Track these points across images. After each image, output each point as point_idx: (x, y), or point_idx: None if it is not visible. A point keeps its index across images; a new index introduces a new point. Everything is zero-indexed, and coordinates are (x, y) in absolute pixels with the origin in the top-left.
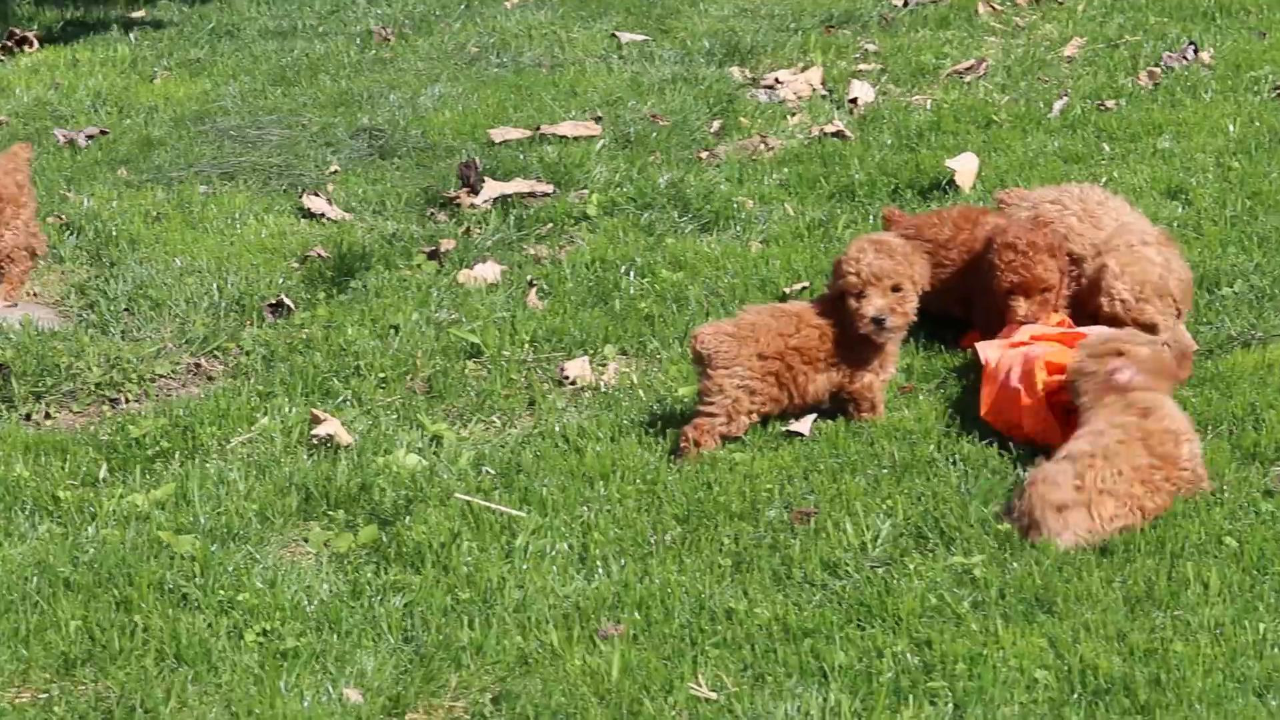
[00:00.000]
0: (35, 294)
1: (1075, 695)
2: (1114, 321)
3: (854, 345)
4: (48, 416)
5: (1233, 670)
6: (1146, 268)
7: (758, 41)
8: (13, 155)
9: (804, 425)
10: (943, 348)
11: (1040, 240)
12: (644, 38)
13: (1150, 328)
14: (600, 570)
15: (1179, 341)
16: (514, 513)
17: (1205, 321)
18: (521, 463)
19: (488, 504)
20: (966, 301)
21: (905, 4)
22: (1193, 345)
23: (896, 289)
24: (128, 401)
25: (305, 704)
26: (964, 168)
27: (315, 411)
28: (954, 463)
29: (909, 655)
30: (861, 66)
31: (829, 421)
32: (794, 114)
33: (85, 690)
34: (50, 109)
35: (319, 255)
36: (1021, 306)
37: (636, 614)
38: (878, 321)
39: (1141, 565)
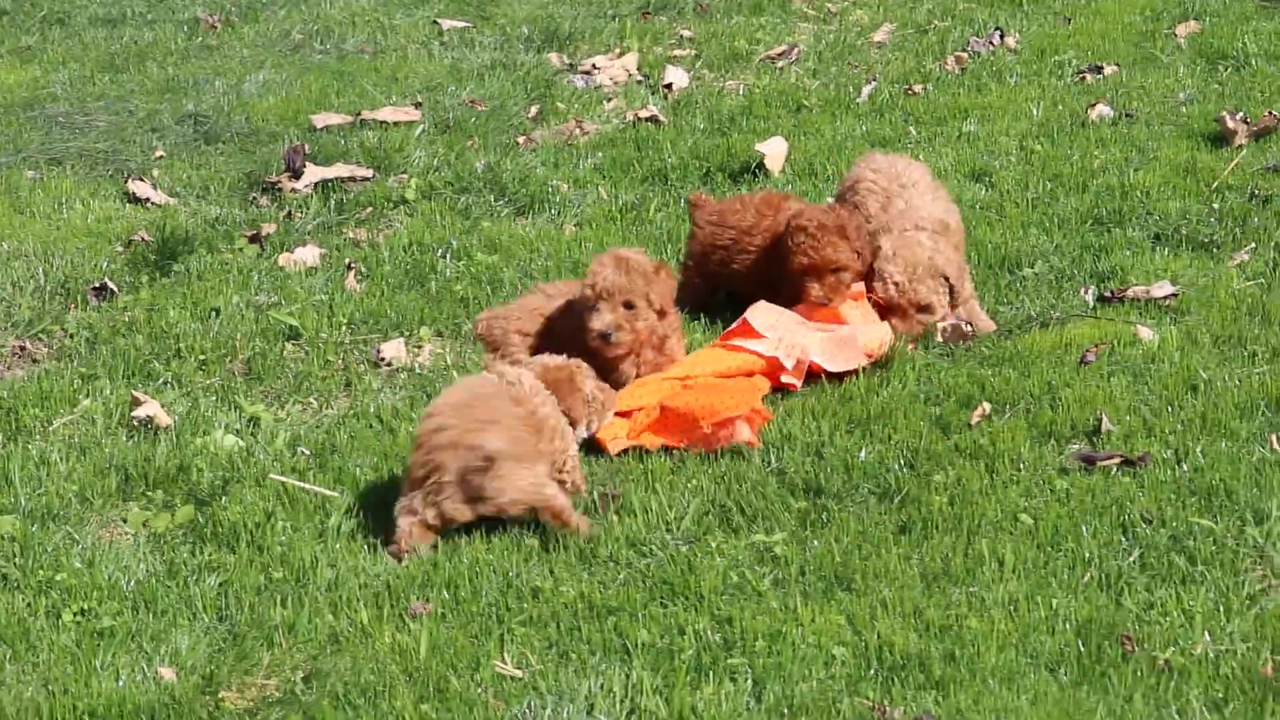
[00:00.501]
0: None
1: (872, 671)
2: (890, 303)
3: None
4: None
5: (1025, 645)
6: (916, 250)
7: (576, 28)
8: None
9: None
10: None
11: (830, 222)
12: (465, 24)
13: (926, 308)
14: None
15: (976, 322)
16: (327, 493)
17: (1005, 302)
18: (336, 443)
19: (301, 484)
20: (771, 286)
21: None
22: (990, 326)
23: (629, 305)
24: None
25: (120, 683)
26: (773, 151)
27: (135, 393)
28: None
29: (710, 632)
30: (677, 52)
31: None
32: (610, 99)
33: None
34: None
35: (143, 239)
36: (815, 288)
37: (445, 593)
38: (604, 336)
39: (939, 542)
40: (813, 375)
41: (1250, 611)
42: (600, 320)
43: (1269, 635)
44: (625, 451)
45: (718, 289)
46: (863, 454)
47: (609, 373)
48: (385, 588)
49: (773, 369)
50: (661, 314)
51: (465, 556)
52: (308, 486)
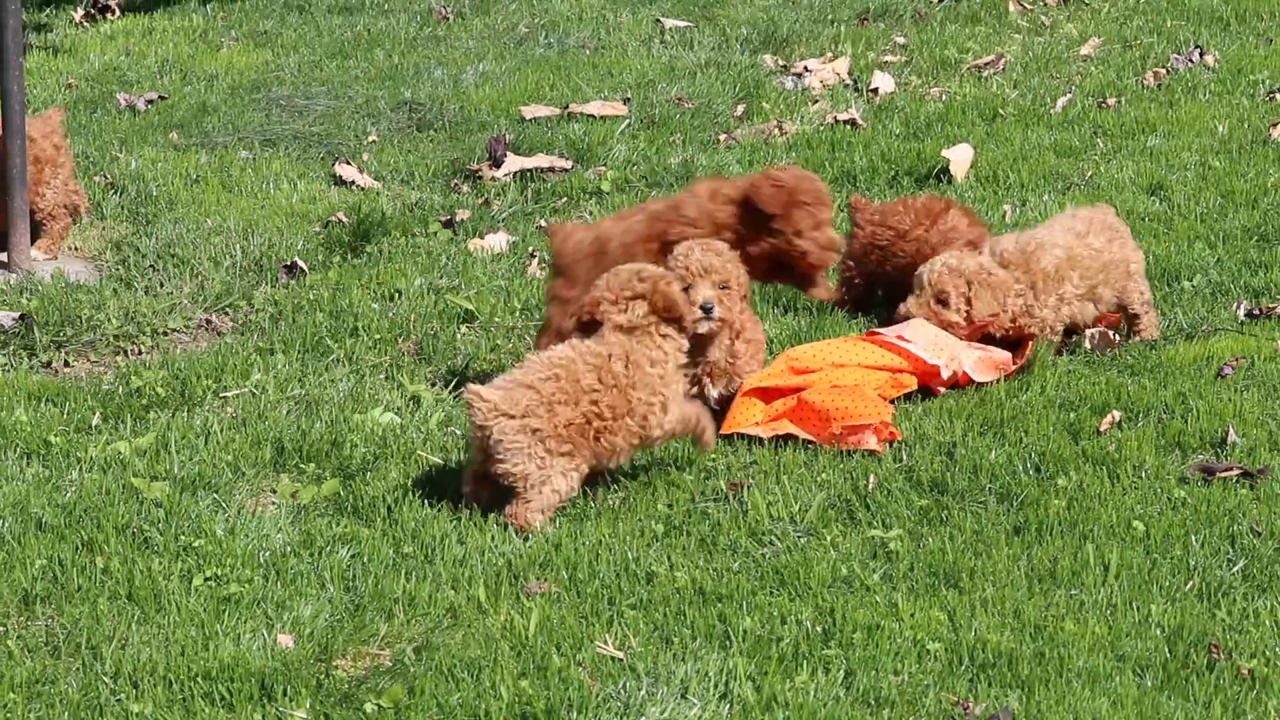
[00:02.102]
0: (76, 249)
1: (963, 667)
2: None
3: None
4: (66, 365)
5: (1115, 649)
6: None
7: (794, 31)
8: (47, 119)
9: None
10: None
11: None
12: (687, 24)
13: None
14: (538, 530)
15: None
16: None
17: (1160, 313)
18: None
19: (444, 462)
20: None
21: (940, 0)
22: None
23: (724, 286)
24: (139, 353)
25: (239, 647)
26: (958, 158)
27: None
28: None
29: (811, 623)
30: (888, 58)
31: None
32: (815, 101)
33: (39, 625)
34: (118, 74)
35: (340, 220)
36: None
37: (564, 573)
38: (706, 309)
39: (1050, 545)
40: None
41: None
42: (701, 293)
43: None
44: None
45: (875, 289)
46: (992, 455)
47: (696, 355)
48: (506, 566)
49: (926, 374)
50: (743, 299)
51: (589, 538)
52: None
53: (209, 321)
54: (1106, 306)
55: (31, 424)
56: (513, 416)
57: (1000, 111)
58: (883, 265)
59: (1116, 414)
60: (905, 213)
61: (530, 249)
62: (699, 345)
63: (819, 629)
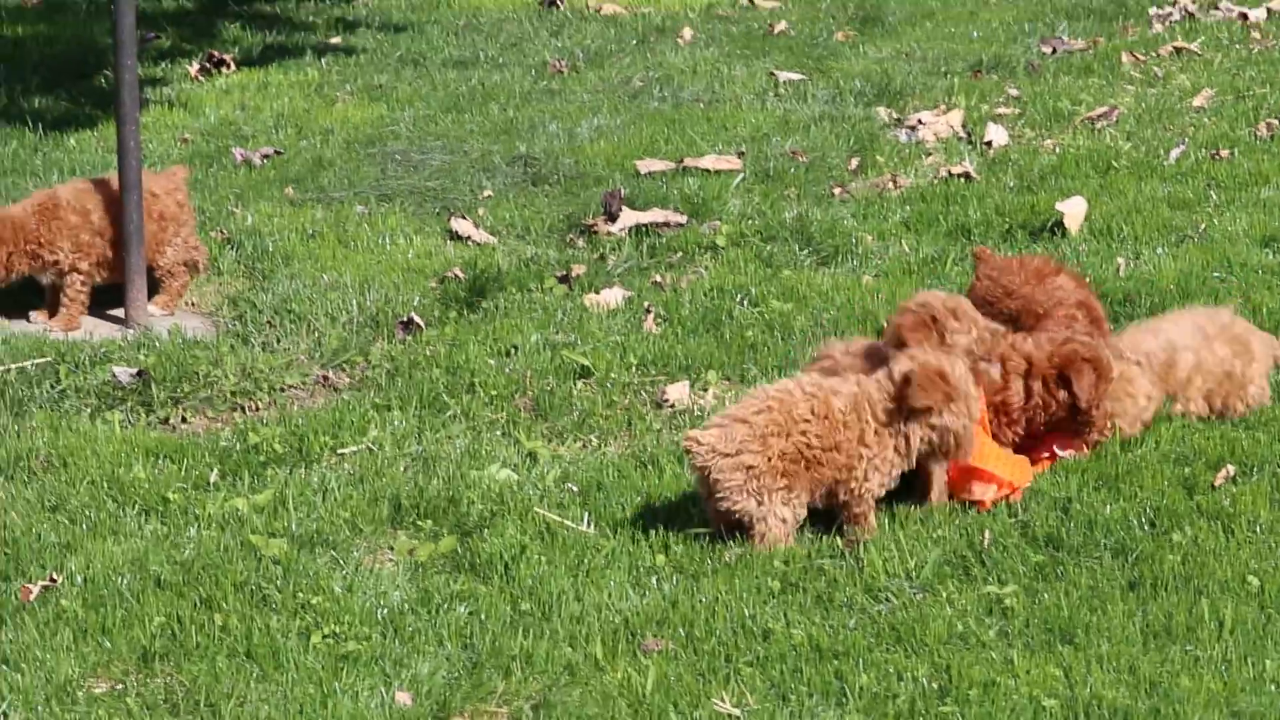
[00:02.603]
0: (193, 304)
1: None
2: None
3: None
4: (184, 421)
5: (1231, 705)
6: None
7: (907, 83)
8: (171, 175)
9: None
10: None
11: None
12: (801, 77)
13: None
14: (655, 586)
15: None
16: (583, 529)
17: (1278, 369)
18: (604, 481)
19: (561, 520)
20: None
21: (1053, 51)
22: None
23: None
24: (257, 410)
25: (357, 705)
26: (1072, 211)
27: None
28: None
29: (928, 680)
30: (1001, 110)
31: None
32: (929, 154)
33: (158, 683)
34: (234, 129)
35: (456, 276)
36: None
37: (680, 630)
38: None
39: (1165, 601)
40: None
41: None
42: None
43: None
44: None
45: None
46: (1107, 510)
47: None
48: (624, 623)
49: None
50: None
51: (705, 595)
52: (567, 522)
53: (326, 378)
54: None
55: (149, 480)
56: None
57: (1113, 164)
58: (996, 320)
59: (1231, 468)
60: (1018, 271)
61: (645, 304)
62: None
63: (935, 686)
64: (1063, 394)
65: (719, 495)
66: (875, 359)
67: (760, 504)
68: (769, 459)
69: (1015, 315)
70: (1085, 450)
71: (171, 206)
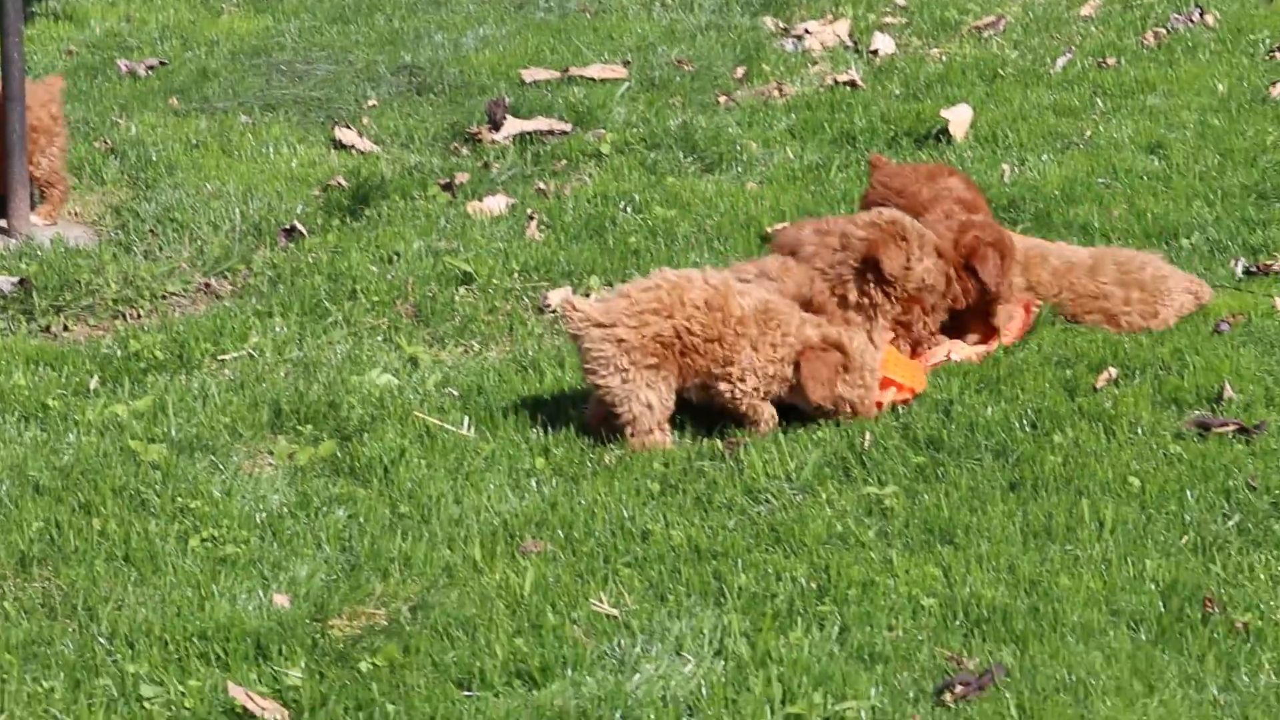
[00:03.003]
0: (76, 214)
1: (957, 622)
2: None
3: None
4: (65, 329)
5: (1110, 603)
6: None
7: None
8: (47, 86)
9: None
10: None
11: None
12: None
13: None
14: (534, 489)
15: None
16: (463, 432)
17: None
18: (484, 385)
19: (441, 423)
20: None
21: None
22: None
23: None
24: (138, 317)
25: (234, 607)
26: (958, 118)
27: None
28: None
29: (806, 580)
30: (889, 19)
31: None
32: (815, 63)
33: (35, 587)
34: (119, 40)
35: (339, 184)
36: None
37: (559, 532)
38: None
39: (1046, 501)
40: None
41: None
42: None
43: None
44: None
45: None
46: (988, 412)
47: None
48: (503, 525)
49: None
50: None
51: (585, 497)
52: (446, 425)
53: (208, 285)
54: None
55: (29, 387)
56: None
57: (1000, 72)
58: None
59: (1113, 371)
60: (910, 174)
61: (529, 211)
62: None
63: (813, 585)
64: (972, 281)
65: (586, 366)
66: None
67: (625, 382)
68: (643, 336)
69: None
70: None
71: (45, 119)
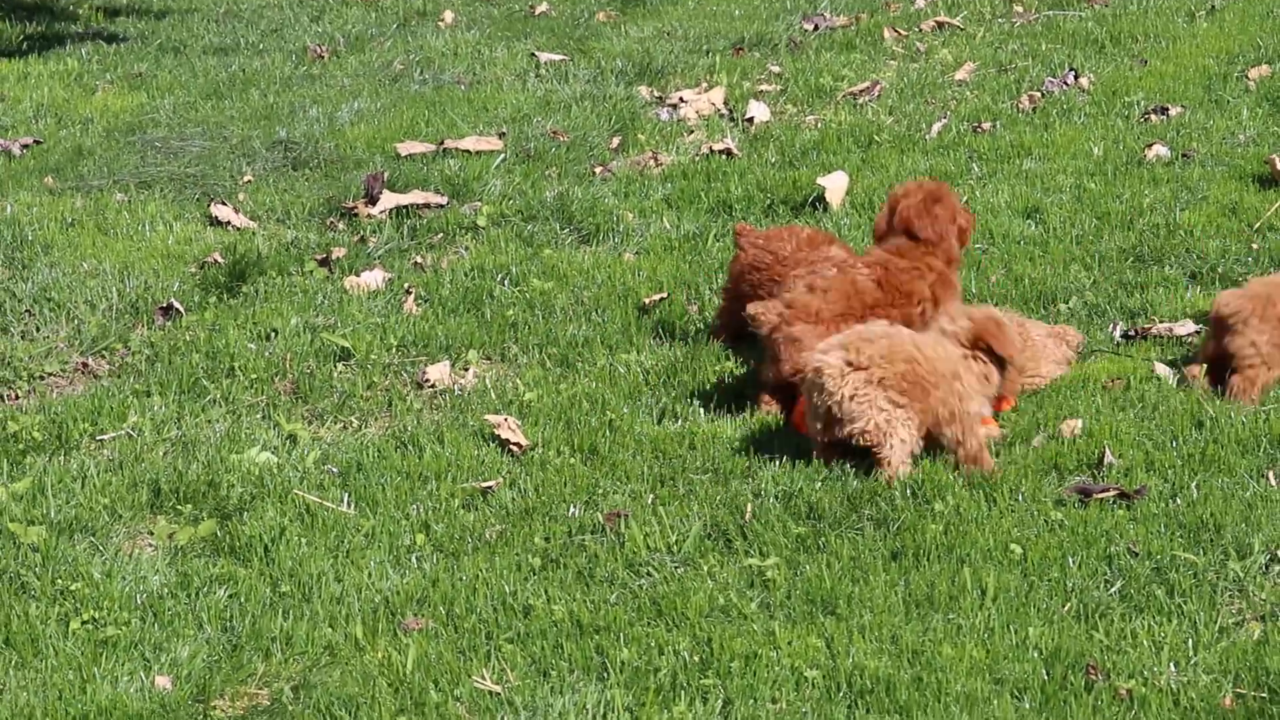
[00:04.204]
0: None
1: (841, 694)
2: None
3: None
4: None
5: (994, 672)
6: None
7: (669, 62)
8: None
9: None
10: None
11: None
12: (562, 57)
13: None
14: (415, 565)
15: None
16: (343, 510)
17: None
18: (363, 462)
19: (320, 501)
20: None
21: (815, 28)
22: None
23: None
24: (16, 398)
25: (116, 690)
26: (834, 185)
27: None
28: (769, 465)
29: (689, 653)
30: (764, 87)
31: (659, 427)
32: (691, 132)
33: None
34: None
35: (216, 261)
36: None
37: (441, 609)
38: None
39: (927, 570)
40: None
41: (1219, 644)
42: None
43: (1234, 668)
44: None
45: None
46: (870, 481)
47: None
48: (384, 602)
49: None
50: None
51: (466, 573)
52: (326, 503)
53: (85, 365)
54: None
55: None
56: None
57: (875, 138)
58: (758, 289)
59: (996, 434)
60: (788, 238)
61: (406, 285)
62: None
63: (696, 659)
64: None
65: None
66: None
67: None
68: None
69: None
70: None
71: None
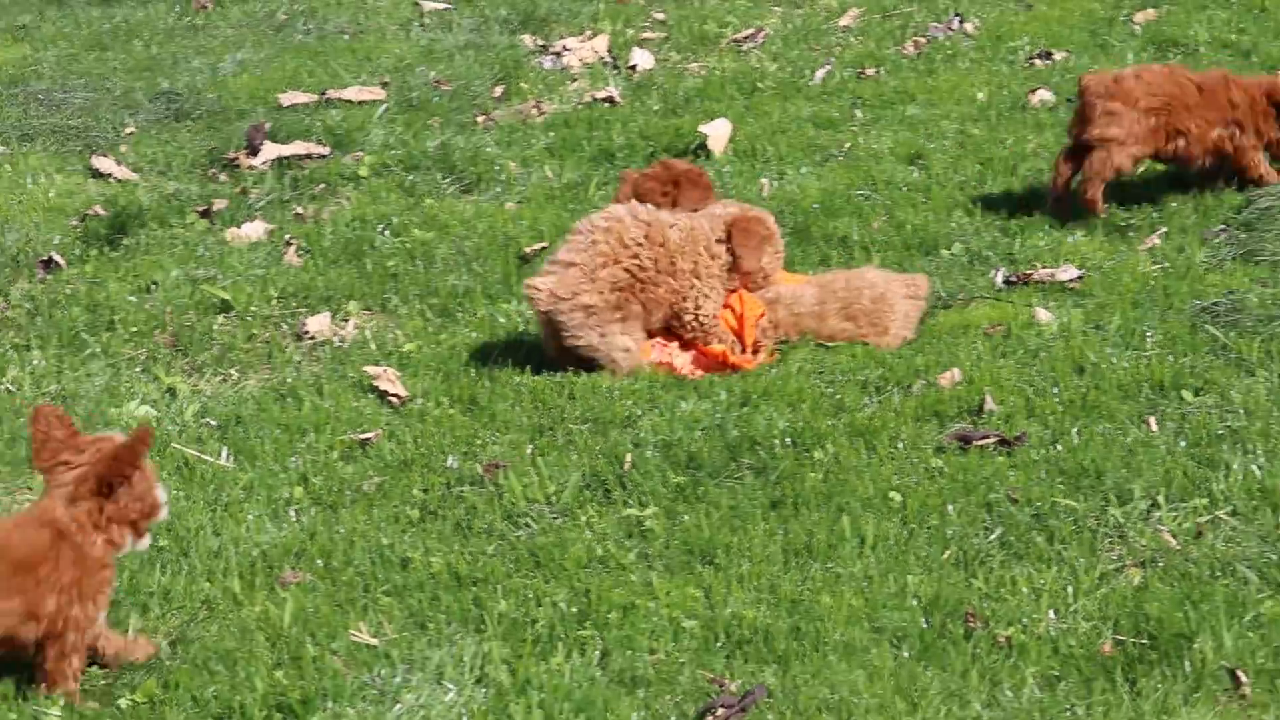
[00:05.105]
0: None
1: (719, 644)
2: None
3: None
4: None
5: (872, 621)
6: None
7: (553, 10)
8: None
9: None
10: None
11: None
12: (446, 6)
13: None
14: (293, 519)
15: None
16: (222, 463)
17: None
18: (243, 415)
19: (199, 454)
20: None
21: None
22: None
23: None
24: None
25: None
26: (716, 133)
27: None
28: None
29: (566, 604)
30: (648, 35)
31: (539, 377)
32: (574, 80)
33: None
34: None
35: (97, 213)
36: None
37: (318, 562)
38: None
39: (806, 519)
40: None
41: (1099, 591)
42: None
43: (1113, 614)
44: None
45: None
46: (749, 429)
47: None
48: (262, 556)
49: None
50: None
51: (344, 526)
52: (204, 456)
53: None
54: None
55: None
56: None
57: (759, 85)
58: None
59: (876, 384)
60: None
61: (287, 236)
62: None
63: (574, 610)
64: None
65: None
66: None
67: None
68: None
69: None
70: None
71: None
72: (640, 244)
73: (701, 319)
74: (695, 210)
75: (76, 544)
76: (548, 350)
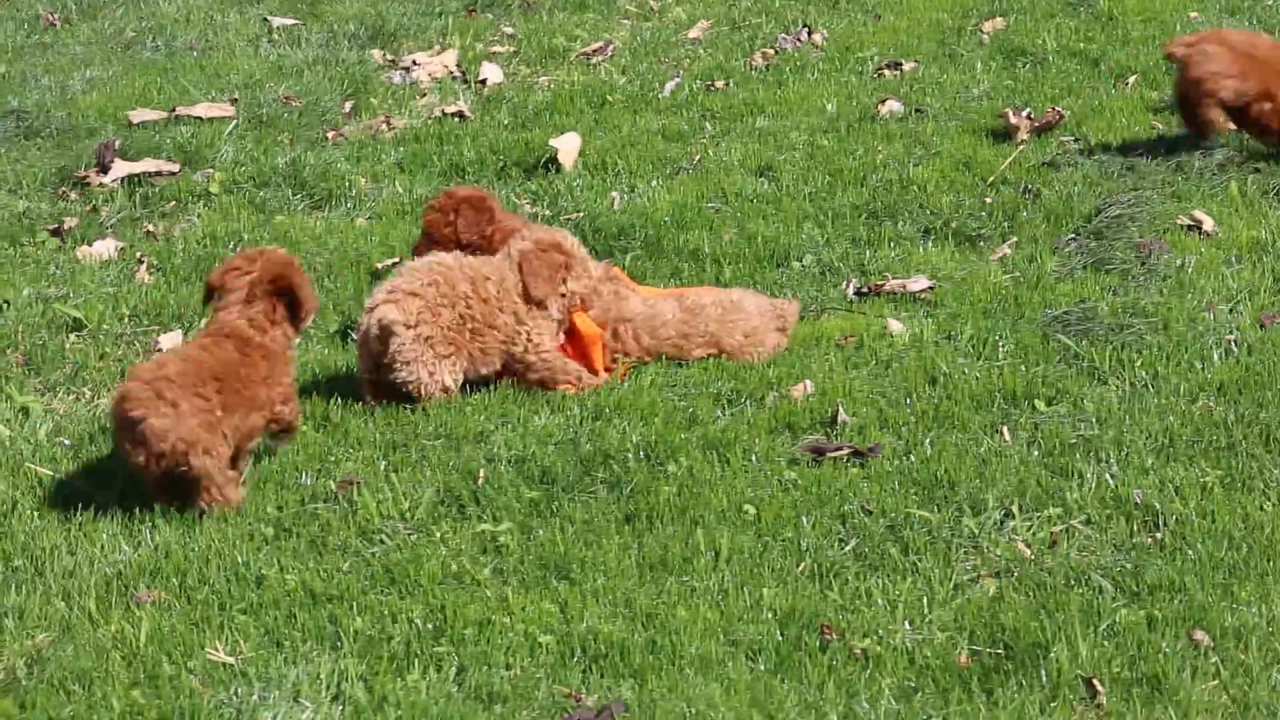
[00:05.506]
0: None
1: (575, 659)
2: None
3: None
4: None
5: (728, 634)
6: None
7: (402, 25)
8: None
9: None
10: None
11: None
12: (295, 22)
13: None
14: (148, 538)
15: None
16: (76, 483)
17: (772, 296)
18: (95, 433)
19: (53, 474)
20: None
21: None
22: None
23: None
24: None
25: None
26: (566, 147)
27: None
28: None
29: (422, 621)
30: (497, 49)
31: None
32: (424, 95)
33: None
34: None
35: None
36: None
37: (174, 581)
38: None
39: (661, 533)
40: None
41: (954, 602)
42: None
43: (969, 625)
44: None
45: None
46: (603, 444)
47: None
48: (117, 575)
49: None
50: None
51: (199, 544)
52: (59, 476)
53: None
54: None
55: None
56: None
57: (608, 98)
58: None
59: (729, 397)
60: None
61: (138, 254)
62: None
63: (430, 626)
64: None
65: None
66: None
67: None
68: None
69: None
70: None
71: None
72: (470, 296)
73: (543, 355)
74: (481, 235)
75: None
76: (363, 376)
